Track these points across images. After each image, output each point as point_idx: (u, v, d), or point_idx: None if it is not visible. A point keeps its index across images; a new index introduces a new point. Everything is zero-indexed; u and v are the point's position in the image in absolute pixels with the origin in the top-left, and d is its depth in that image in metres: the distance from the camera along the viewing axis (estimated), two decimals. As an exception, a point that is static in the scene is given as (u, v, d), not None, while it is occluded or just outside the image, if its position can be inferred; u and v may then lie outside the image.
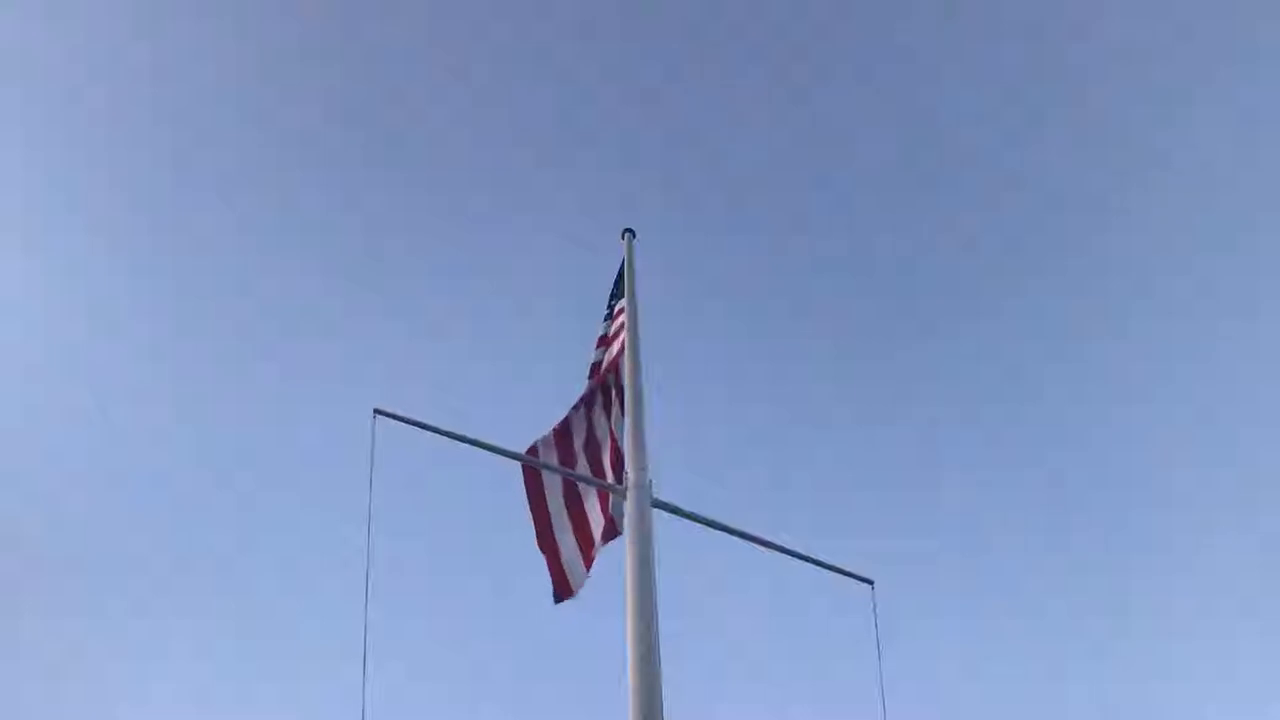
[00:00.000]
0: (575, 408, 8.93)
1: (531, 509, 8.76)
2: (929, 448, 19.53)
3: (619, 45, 20.03)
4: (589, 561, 8.79)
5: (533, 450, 8.75)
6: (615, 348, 8.92)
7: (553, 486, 8.80)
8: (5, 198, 18.89)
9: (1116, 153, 19.06)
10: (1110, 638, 18.26)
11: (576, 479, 8.75)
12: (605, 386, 8.93)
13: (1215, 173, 18.53)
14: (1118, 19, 18.32)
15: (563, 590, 8.77)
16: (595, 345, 9.34)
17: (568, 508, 8.81)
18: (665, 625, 7.07)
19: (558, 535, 8.76)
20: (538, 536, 8.78)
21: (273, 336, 19.49)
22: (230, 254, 19.33)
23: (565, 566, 8.79)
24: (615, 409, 8.93)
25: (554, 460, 8.76)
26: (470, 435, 7.91)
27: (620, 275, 9.44)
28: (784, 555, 8.08)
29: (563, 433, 8.84)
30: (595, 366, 9.17)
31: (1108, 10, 18.42)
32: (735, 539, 8.01)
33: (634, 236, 9.56)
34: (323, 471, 17.28)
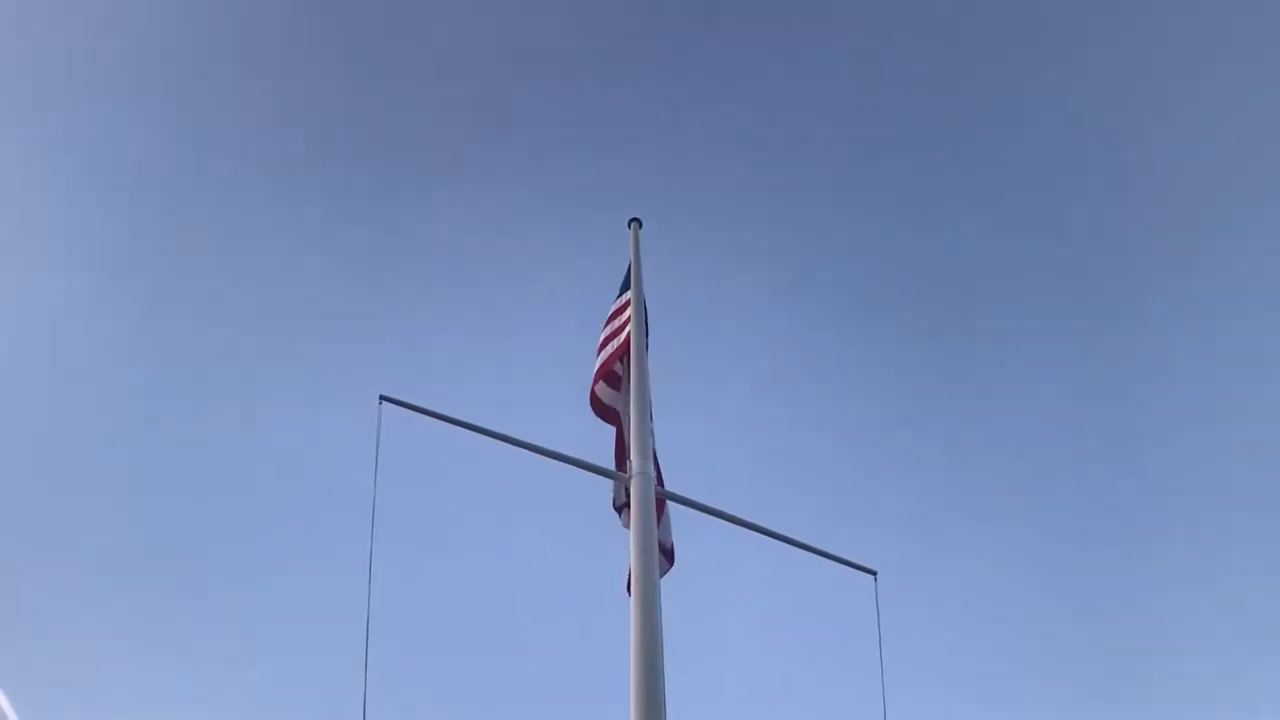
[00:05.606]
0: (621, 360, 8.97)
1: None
2: (933, 439, 19.53)
3: (623, 33, 20.01)
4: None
5: (594, 396, 8.87)
6: (623, 336, 8.92)
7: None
8: (8, 188, 18.95)
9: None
10: (1117, 633, 18.27)
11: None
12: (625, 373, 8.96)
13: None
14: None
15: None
16: (608, 317, 9.35)
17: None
18: (667, 613, 7.10)
19: None
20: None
21: (278, 324, 19.52)
22: (235, 246, 19.37)
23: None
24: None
25: (619, 398, 8.81)
26: (476, 423, 7.94)
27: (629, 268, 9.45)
28: (787, 545, 8.13)
29: (612, 377, 8.94)
30: (610, 336, 9.17)
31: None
32: (738, 528, 8.05)
33: (640, 226, 9.57)
34: (328, 458, 17.31)
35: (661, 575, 7.95)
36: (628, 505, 8.75)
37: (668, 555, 8.58)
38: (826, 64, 19.74)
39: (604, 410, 8.86)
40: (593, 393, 8.91)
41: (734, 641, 16.04)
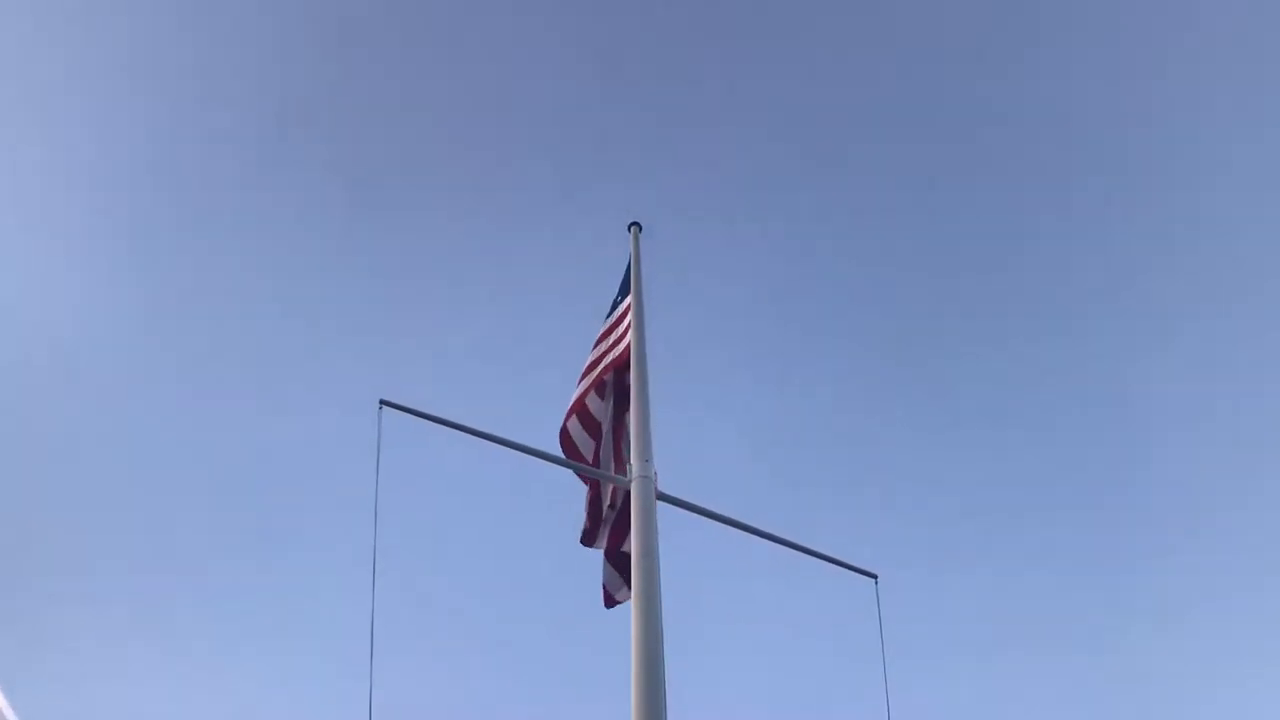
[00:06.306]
0: (597, 392, 8.88)
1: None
2: (934, 441, 19.54)
3: (624, 33, 20.02)
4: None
5: (565, 433, 8.76)
6: (622, 346, 8.88)
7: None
8: (12, 185, 18.96)
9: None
10: (1119, 633, 18.26)
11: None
12: (619, 381, 8.91)
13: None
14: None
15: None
16: (597, 339, 9.29)
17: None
18: (668, 618, 7.07)
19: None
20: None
21: (279, 328, 19.53)
22: (237, 247, 19.37)
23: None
24: (613, 404, 8.92)
25: (590, 443, 8.77)
26: (477, 428, 7.92)
27: (628, 271, 9.43)
28: (788, 549, 8.10)
29: (586, 416, 8.84)
30: (595, 361, 9.12)
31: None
32: (739, 532, 8.03)
33: (640, 230, 9.57)
34: (328, 464, 17.32)
35: None
36: (594, 527, 8.78)
37: None
38: (826, 65, 19.75)
39: (572, 449, 8.77)
40: (564, 430, 8.82)
41: (734, 645, 16.03)
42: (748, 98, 19.83)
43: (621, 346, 8.82)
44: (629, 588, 8.68)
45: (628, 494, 8.47)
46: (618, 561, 8.81)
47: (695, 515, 7.96)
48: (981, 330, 19.74)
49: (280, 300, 19.47)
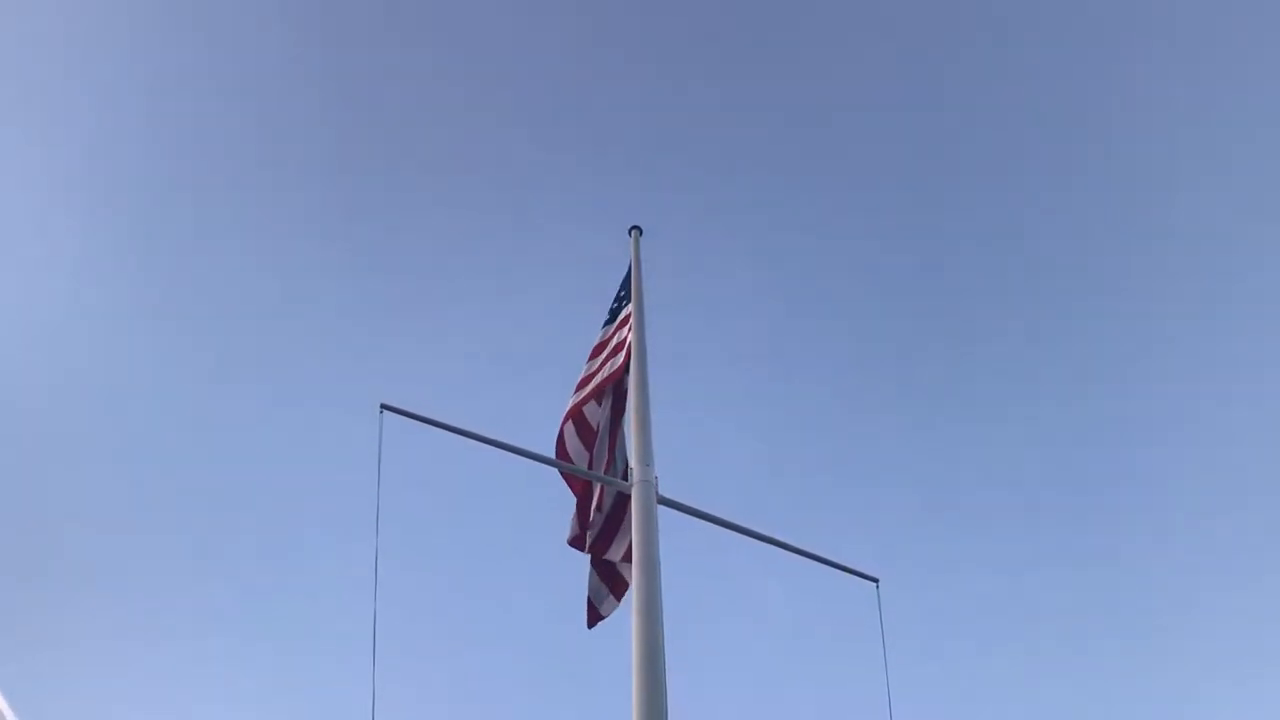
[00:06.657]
0: (596, 400, 8.81)
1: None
2: (936, 445, 19.52)
3: (625, 38, 20.01)
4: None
5: (560, 441, 8.72)
6: (621, 357, 8.81)
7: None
8: (11, 194, 18.95)
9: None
10: (1119, 633, 18.25)
11: (581, 474, 8.74)
12: (616, 385, 8.84)
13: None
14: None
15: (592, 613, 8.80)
16: (593, 351, 9.21)
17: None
18: (669, 622, 7.07)
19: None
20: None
21: (279, 332, 19.52)
22: (236, 250, 19.36)
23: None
24: (610, 407, 8.88)
25: (584, 454, 8.72)
26: (477, 431, 7.92)
27: (628, 276, 9.40)
28: (789, 553, 8.10)
29: (582, 423, 8.77)
30: (591, 375, 9.03)
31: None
32: (740, 536, 8.02)
33: (641, 234, 9.56)
34: (328, 466, 17.31)
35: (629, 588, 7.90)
36: (583, 531, 8.74)
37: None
38: (826, 65, 19.74)
39: (566, 457, 8.68)
40: (560, 437, 8.74)
41: (735, 649, 16.02)
42: (747, 98, 19.83)
43: (620, 358, 8.74)
44: (614, 597, 8.64)
45: (617, 497, 8.48)
46: (603, 568, 8.73)
47: (693, 518, 7.95)
48: (981, 330, 19.73)
49: (280, 301, 19.47)
